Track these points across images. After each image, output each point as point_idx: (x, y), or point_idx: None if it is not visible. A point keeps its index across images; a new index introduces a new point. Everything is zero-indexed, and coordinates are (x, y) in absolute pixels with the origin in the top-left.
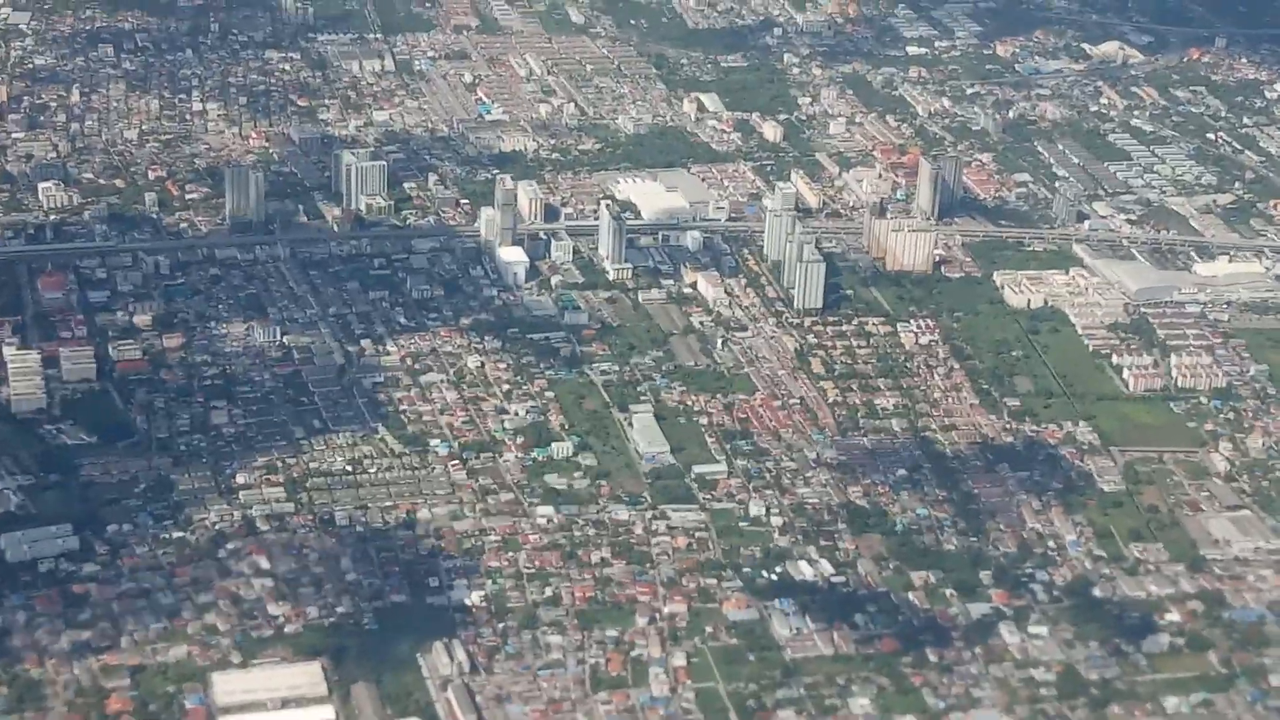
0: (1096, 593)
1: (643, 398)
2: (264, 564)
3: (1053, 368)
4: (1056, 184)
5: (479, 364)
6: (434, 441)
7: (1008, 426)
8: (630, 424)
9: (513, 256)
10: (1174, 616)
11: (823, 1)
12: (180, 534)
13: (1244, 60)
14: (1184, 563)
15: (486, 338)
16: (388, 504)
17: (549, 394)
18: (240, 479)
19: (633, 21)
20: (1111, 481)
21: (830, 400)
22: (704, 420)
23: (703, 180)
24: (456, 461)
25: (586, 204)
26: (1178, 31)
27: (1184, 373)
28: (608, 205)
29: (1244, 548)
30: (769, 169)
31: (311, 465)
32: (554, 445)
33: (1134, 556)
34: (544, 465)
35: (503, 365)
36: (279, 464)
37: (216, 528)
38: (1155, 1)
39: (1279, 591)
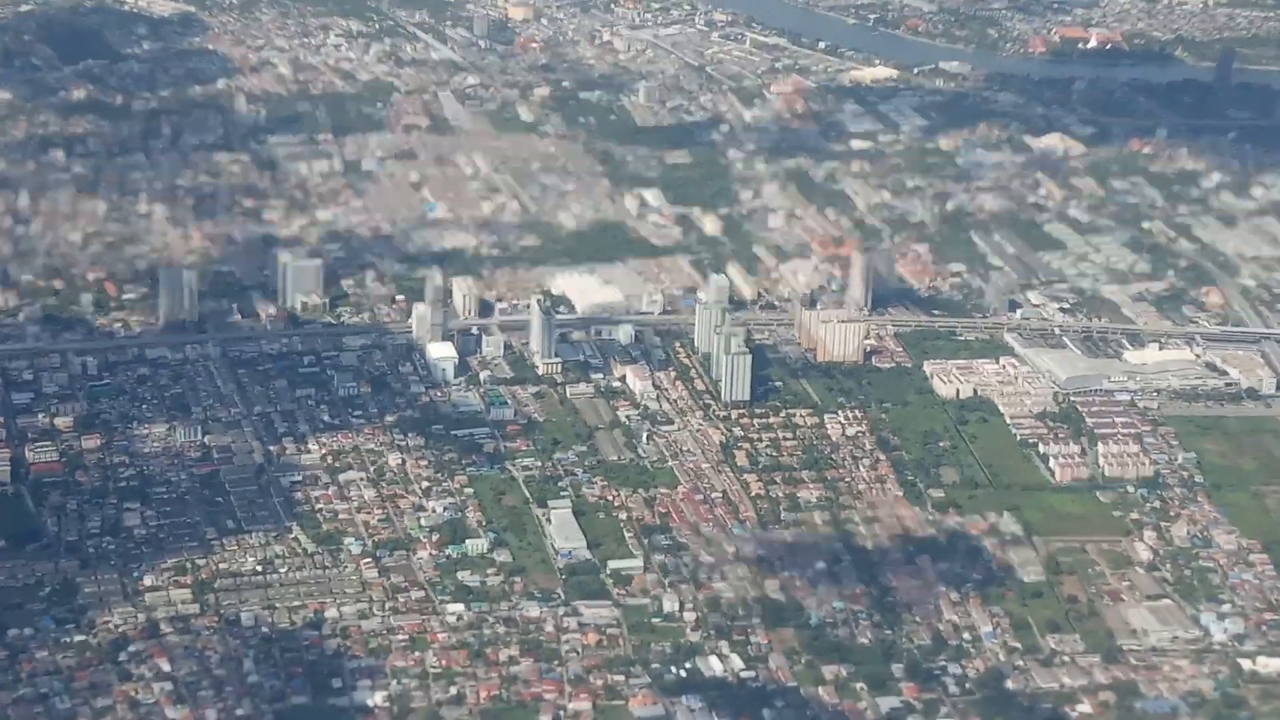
0: (1009, 685)
1: (563, 493)
2: (165, 667)
3: (979, 458)
4: (990, 274)
5: (400, 461)
6: (348, 540)
7: (930, 518)
8: (548, 520)
9: (441, 353)
10: (1085, 708)
11: (771, 98)
12: (82, 637)
13: (1184, 150)
14: (1099, 653)
15: (410, 435)
16: (296, 604)
17: (469, 491)
18: (148, 581)
19: (581, 120)
20: (1032, 572)
21: (753, 493)
22: (623, 515)
23: (639, 274)
24: (369, 560)
25: (522, 299)
26: (1120, 123)
27: (1111, 462)
28: (539, 300)
29: (1161, 637)
30: (706, 262)
31: (221, 566)
32: (469, 542)
33: (1050, 648)
34: (458, 562)
35: (424, 462)
36: (188, 565)
37: (120, 630)
38: (1100, 93)
39: (1194, 682)
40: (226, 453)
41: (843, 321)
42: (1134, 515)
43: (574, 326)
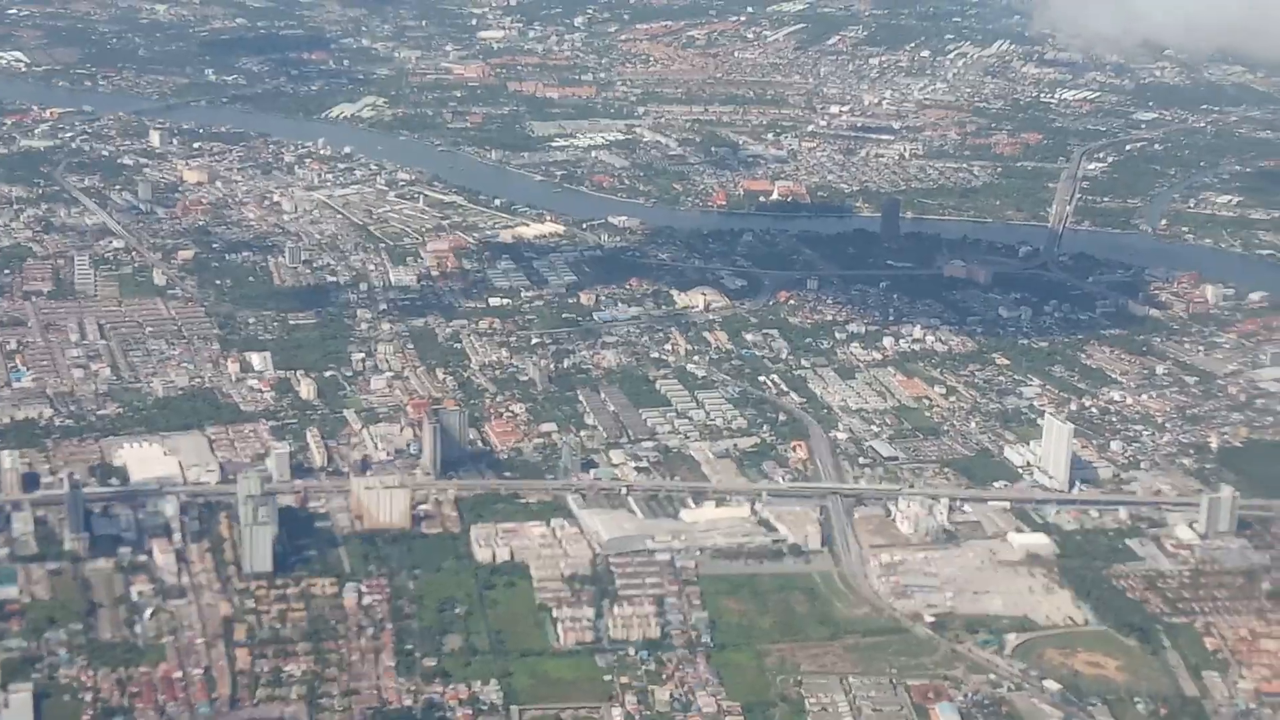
0: None
1: (34, 676)
2: None
3: (492, 624)
4: (571, 434)
5: None
6: None
7: (412, 689)
8: (5, 705)
9: None
10: None
11: (424, 256)
12: None
13: (830, 301)
14: None
15: None
16: None
17: None
18: None
19: (219, 282)
20: None
21: (238, 669)
22: (89, 697)
23: (212, 442)
24: None
25: (79, 471)
26: (776, 275)
27: (619, 624)
28: (69, 474)
29: None
30: (290, 428)
31: None
32: None
33: None
34: None
35: None
36: None
37: None
38: (765, 245)
39: None
40: None
41: (386, 488)
42: (624, 679)
43: (118, 499)
